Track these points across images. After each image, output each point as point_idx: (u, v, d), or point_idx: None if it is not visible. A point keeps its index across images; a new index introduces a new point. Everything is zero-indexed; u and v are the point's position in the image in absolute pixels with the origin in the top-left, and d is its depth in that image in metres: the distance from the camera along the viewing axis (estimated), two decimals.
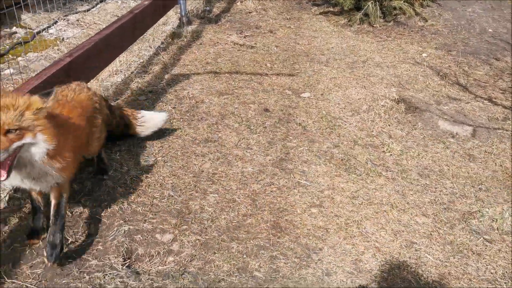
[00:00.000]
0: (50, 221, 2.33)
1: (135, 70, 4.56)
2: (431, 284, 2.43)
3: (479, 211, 2.99)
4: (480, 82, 4.82)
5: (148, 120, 3.30)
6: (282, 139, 3.62)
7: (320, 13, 6.75)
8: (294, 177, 3.20)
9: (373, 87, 4.55)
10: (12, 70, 4.37)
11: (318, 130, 3.78)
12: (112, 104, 3.35)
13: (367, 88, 4.52)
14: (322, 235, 2.71)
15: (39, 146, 2.01)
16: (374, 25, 6.23)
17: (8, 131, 1.89)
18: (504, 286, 2.46)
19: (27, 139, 1.96)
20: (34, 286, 2.22)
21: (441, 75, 4.89)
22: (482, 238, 2.78)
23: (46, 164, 2.09)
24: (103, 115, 2.86)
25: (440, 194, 3.15)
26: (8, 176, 1.96)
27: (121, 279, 2.26)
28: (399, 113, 4.09)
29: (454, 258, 2.62)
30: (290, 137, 3.66)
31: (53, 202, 2.34)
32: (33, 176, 2.15)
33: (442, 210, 3.00)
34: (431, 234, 2.80)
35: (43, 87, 2.78)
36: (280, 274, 2.42)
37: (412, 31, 6.20)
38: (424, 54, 5.46)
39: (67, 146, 2.23)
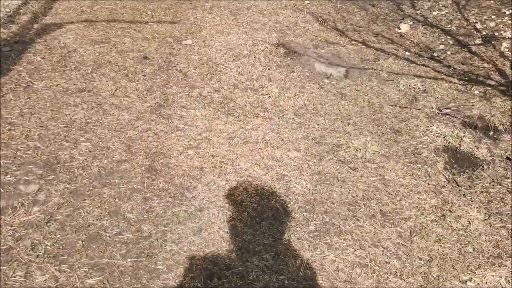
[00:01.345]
0: None
1: None
2: (296, 210, 2.60)
3: (346, 143, 3.21)
4: (356, 27, 5.07)
5: None
6: (161, 86, 3.56)
7: None
8: (172, 122, 3.19)
9: (255, 33, 4.60)
10: None
11: (199, 76, 3.77)
12: None
13: (249, 34, 4.56)
14: (197, 174, 2.76)
15: None
16: None
17: None
18: (362, 207, 2.70)
19: None
20: None
21: (320, 21, 5.07)
22: (347, 167, 3.00)
23: None
24: None
25: (312, 130, 3.33)
26: None
27: None
28: (278, 57, 4.20)
29: (320, 186, 2.81)
30: (170, 84, 3.61)
31: None
32: None
33: (314, 144, 3.18)
34: (301, 166, 2.96)
35: None
36: (153, 214, 2.44)
37: None
38: (306, 1, 5.60)
39: None
